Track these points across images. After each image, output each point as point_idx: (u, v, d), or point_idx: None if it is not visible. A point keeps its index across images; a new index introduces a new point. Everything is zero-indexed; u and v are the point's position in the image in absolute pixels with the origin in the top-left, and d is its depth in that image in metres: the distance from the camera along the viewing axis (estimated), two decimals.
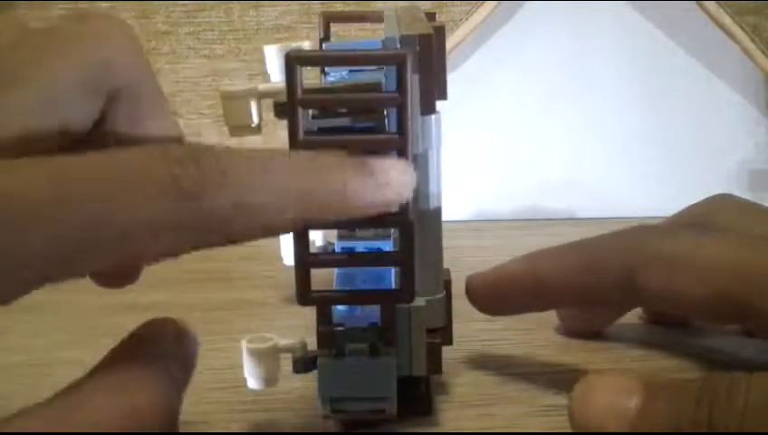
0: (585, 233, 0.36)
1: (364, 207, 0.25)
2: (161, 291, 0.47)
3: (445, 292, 0.33)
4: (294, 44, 0.33)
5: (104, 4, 0.67)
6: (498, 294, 0.36)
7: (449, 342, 0.34)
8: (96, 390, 0.23)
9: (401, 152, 0.28)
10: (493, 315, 0.37)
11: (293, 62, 0.27)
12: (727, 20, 0.55)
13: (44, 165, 0.22)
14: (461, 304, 0.36)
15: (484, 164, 0.59)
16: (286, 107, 0.28)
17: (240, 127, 0.31)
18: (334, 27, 0.44)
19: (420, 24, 0.32)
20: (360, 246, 0.37)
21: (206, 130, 0.68)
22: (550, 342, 0.40)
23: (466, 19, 0.56)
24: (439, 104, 0.32)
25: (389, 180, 0.26)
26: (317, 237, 0.39)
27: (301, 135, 0.28)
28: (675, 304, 0.33)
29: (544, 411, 0.33)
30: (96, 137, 0.26)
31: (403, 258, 0.29)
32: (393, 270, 0.33)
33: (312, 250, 0.29)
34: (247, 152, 0.24)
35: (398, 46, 0.30)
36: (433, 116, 0.31)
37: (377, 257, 0.30)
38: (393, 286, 0.32)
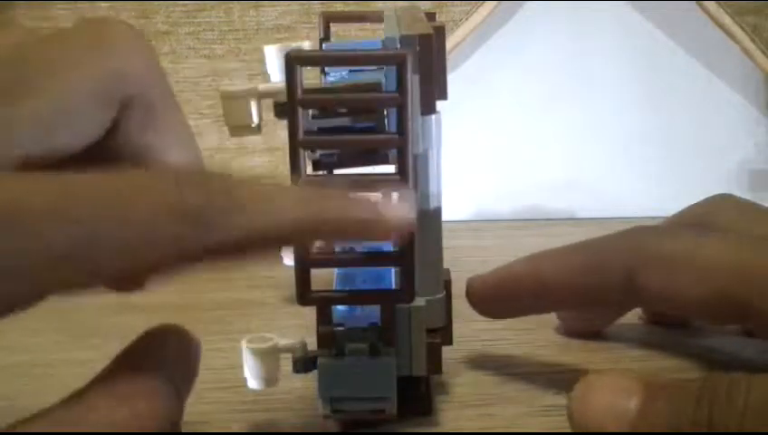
0: (585, 233, 0.36)
1: (364, 237, 0.27)
2: (161, 291, 0.46)
3: (445, 292, 0.33)
4: (294, 44, 0.33)
5: (104, 4, 0.67)
6: (499, 297, 0.36)
7: (449, 342, 0.34)
8: (98, 399, 0.23)
9: (401, 152, 0.28)
10: (493, 318, 0.37)
11: (293, 62, 0.27)
12: (727, 20, 0.55)
13: (52, 178, 0.22)
14: (461, 304, 0.36)
15: (484, 164, 0.59)
16: (286, 107, 0.28)
17: (240, 127, 0.31)
18: (334, 27, 0.44)
19: (420, 24, 0.32)
20: (360, 246, 0.37)
21: (206, 130, 0.68)
22: (550, 342, 0.40)
23: (466, 19, 0.56)
24: (439, 104, 0.32)
25: (390, 219, 0.26)
26: None
27: (301, 135, 0.28)
28: (675, 303, 0.33)
29: (544, 411, 0.33)
30: (108, 144, 0.26)
31: (403, 258, 0.29)
32: (393, 270, 0.33)
33: (312, 250, 0.29)
34: (255, 180, 0.24)
35: (398, 46, 0.30)
36: (433, 116, 0.31)
37: (377, 257, 0.30)
38: (393, 286, 0.32)
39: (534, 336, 0.40)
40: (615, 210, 0.58)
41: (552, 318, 0.40)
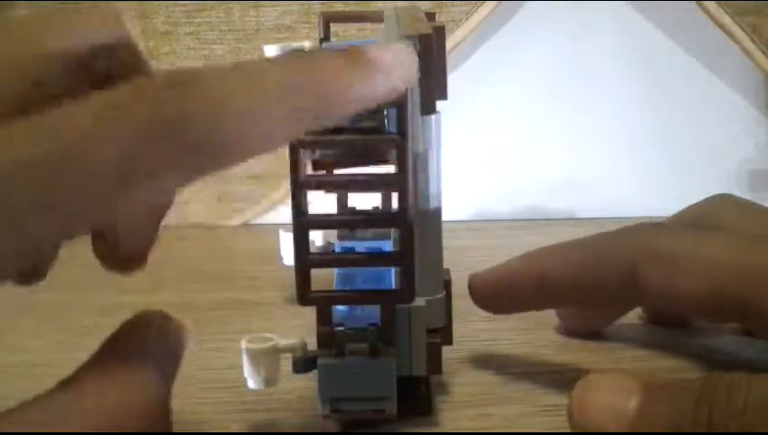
0: (585, 233, 0.36)
1: (365, 98, 0.24)
2: (161, 291, 0.47)
3: (445, 292, 0.33)
4: (294, 44, 0.33)
5: (103, 4, 0.67)
6: (501, 292, 0.36)
7: (449, 342, 0.34)
8: (86, 386, 0.23)
9: (401, 152, 0.28)
10: (495, 313, 0.37)
11: None
12: (727, 20, 0.55)
13: (22, 122, 0.21)
14: (461, 304, 0.36)
15: (484, 164, 0.59)
16: None
17: None
18: (334, 27, 0.44)
19: (420, 24, 0.32)
20: (360, 246, 0.37)
21: None
22: (550, 342, 0.40)
23: (466, 19, 0.56)
24: (439, 104, 0.32)
25: (390, 67, 0.24)
26: (317, 237, 0.39)
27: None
28: (675, 301, 0.33)
29: (544, 411, 0.33)
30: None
31: (403, 258, 0.29)
32: (393, 270, 0.33)
33: (312, 250, 0.29)
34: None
35: None
36: (433, 116, 0.31)
37: (377, 257, 0.30)
38: (393, 286, 0.32)
39: (534, 336, 0.40)
40: (615, 210, 0.58)
41: (552, 318, 0.40)
